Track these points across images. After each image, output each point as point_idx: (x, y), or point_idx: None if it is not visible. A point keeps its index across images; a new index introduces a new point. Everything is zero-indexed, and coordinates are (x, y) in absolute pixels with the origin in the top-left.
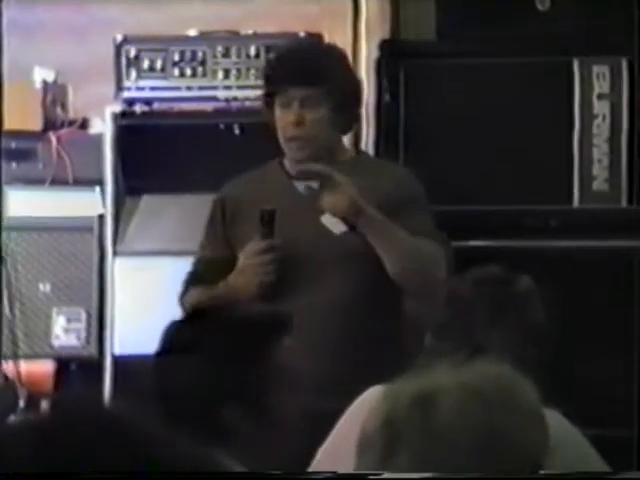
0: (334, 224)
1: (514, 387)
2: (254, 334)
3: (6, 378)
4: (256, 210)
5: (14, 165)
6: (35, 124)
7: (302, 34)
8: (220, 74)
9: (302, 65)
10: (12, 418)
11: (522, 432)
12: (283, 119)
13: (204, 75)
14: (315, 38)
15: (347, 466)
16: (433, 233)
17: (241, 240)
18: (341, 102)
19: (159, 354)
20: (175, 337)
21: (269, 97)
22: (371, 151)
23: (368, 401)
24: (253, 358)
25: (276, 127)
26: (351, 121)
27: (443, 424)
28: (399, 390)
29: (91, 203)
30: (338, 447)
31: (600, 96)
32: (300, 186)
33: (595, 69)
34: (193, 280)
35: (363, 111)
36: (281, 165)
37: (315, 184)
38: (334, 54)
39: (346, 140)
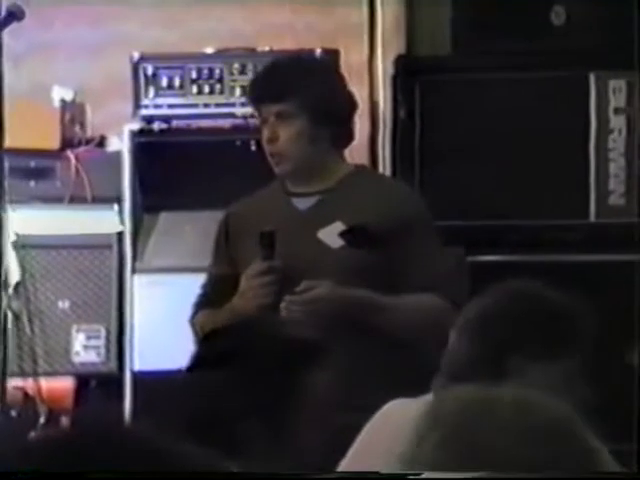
0: (332, 239)
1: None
2: (293, 360)
3: (26, 395)
4: (255, 228)
5: (32, 184)
6: (53, 143)
7: (318, 50)
8: (237, 91)
9: (272, 82)
10: (32, 434)
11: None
12: (263, 136)
13: (221, 92)
14: (331, 55)
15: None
16: (437, 274)
17: (242, 259)
18: (321, 115)
19: (191, 366)
20: (208, 350)
21: (251, 106)
22: (388, 167)
23: (390, 414)
24: (284, 383)
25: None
26: (341, 134)
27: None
28: (459, 393)
29: (109, 221)
30: (361, 459)
31: (616, 110)
32: (299, 203)
33: (611, 83)
34: (201, 302)
35: (380, 127)
36: (282, 183)
37: (313, 199)
38: (310, 68)
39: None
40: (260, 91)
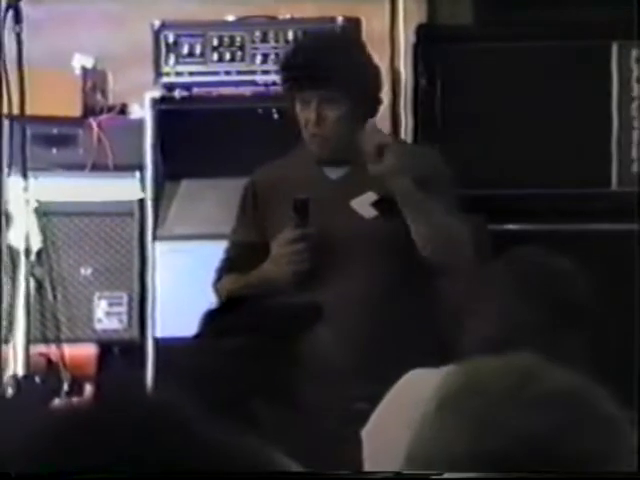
0: (365, 208)
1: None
2: (286, 323)
3: (50, 361)
4: (287, 196)
5: (55, 151)
6: (75, 110)
7: (340, 19)
8: (258, 58)
9: (317, 66)
10: (56, 401)
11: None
12: (303, 116)
13: (242, 60)
14: (352, 23)
15: (393, 445)
16: (458, 212)
17: (272, 226)
18: (361, 96)
19: (194, 340)
20: (209, 325)
21: (287, 90)
22: (409, 135)
23: (410, 385)
24: (285, 347)
25: (296, 113)
26: (375, 107)
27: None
28: (459, 368)
29: (131, 188)
30: (384, 428)
31: (639, 79)
32: (330, 172)
33: (634, 53)
34: (226, 267)
35: (401, 95)
36: (312, 151)
37: (344, 169)
38: (348, 46)
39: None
40: (302, 75)
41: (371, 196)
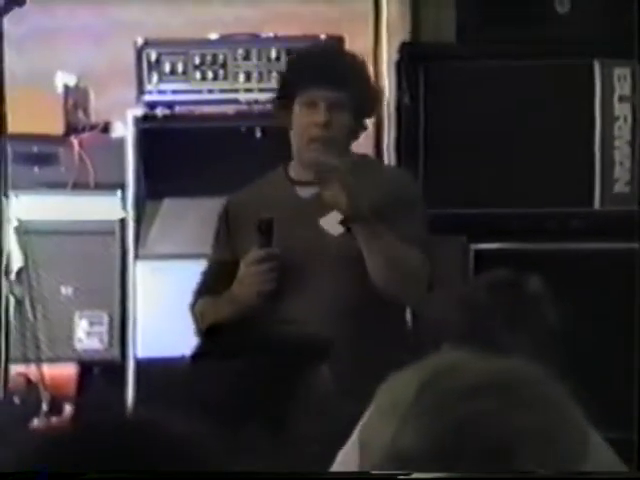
0: (332, 226)
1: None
2: (293, 358)
3: (29, 381)
4: (257, 216)
5: (36, 169)
6: (57, 128)
7: (323, 37)
8: (241, 77)
9: (329, 67)
10: (35, 421)
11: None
12: (308, 119)
13: (225, 78)
14: (336, 41)
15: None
16: (420, 241)
17: (243, 247)
18: (361, 109)
19: (193, 358)
20: (211, 347)
21: (285, 99)
22: (392, 153)
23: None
24: (287, 382)
25: (292, 128)
26: (363, 128)
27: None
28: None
29: (113, 207)
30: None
31: (621, 98)
32: (302, 191)
33: (616, 71)
34: (201, 290)
35: (385, 114)
36: (285, 171)
37: (316, 188)
38: (356, 60)
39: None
40: (315, 74)
41: (339, 214)
